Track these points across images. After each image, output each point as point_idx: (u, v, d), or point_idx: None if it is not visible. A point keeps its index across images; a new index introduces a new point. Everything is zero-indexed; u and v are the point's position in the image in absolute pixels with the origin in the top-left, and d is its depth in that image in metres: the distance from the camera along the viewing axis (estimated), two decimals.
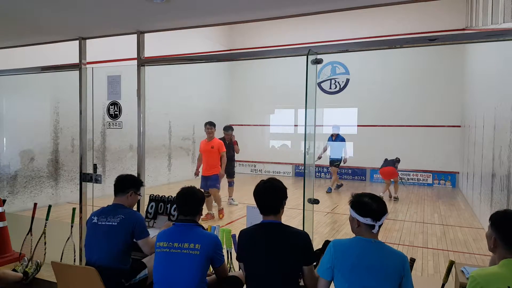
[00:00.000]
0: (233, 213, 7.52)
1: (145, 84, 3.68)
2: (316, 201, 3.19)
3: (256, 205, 2.43)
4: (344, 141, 10.31)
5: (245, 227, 2.55)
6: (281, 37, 13.03)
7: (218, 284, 2.67)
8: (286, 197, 2.42)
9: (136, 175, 3.51)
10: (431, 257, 5.06)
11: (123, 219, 2.80)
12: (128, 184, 2.99)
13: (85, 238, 2.91)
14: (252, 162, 14.62)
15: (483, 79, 7.90)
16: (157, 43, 6.11)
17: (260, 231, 2.34)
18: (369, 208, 2.05)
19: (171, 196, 3.59)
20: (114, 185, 3.00)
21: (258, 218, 2.62)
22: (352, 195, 2.18)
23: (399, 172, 10.20)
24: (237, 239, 2.50)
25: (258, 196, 2.39)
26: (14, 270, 3.63)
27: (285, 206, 2.43)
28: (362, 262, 1.97)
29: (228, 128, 8.30)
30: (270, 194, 2.37)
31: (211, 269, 2.63)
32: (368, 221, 2.04)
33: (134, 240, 2.89)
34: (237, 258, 2.45)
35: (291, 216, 6.67)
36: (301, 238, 2.28)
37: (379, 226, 2.06)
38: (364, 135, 12.84)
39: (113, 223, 2.79)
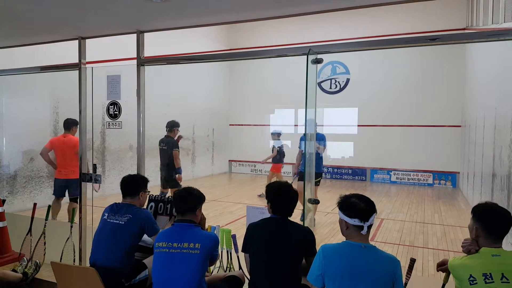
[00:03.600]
0: (233, 213, 7.51)
1: (144, 84, 3.67)
2: (316, 201, 3.19)
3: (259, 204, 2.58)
4: (324, 139, 6.74)
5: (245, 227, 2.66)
6: (281, 36, 13.02)
7: (217, 283, 2.67)
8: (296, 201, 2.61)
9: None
10: (431, 257, 5.06)
11: (130, 219, 2.81)
12: (137, 187, 3.00)
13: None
14: (252, 162, 14.61)
15: (484, 79, 7.89)
16: (157, 43, 6.10)
17: (266, 223, 2.53)
18: (357, 208, 2.02)
19: (171, 196, 3.59)
20: (122, 188, 2.99)
21: (258, 218, 2.64)
22: (340, 197, 2.15)
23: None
24: (244, 232, 2.64)
25: (276, 199, 2.56)
26: (13, 270, 3.62)
27: None
28: (352, 269, 1.93)
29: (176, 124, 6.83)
30: (288, 201, 2.55)
31: (210, 269, 2.64)
32: (356, 222, 2.01)
33: (148, 237, 2.91)
34: (242, 250, 2.59)
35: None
36: (303, 231, 2.48)
37: (368, 227, 2.02)
38: (364, 135, 12.83)
39: (120, 222, 2.81)
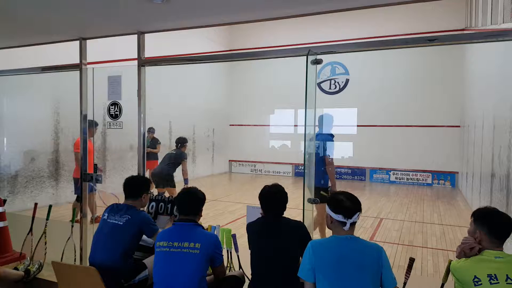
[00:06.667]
0: (233, 212, 7.53)
1: (145, 84, 3.69)
2: (316, 201, 3.20)
3: (259, 205, 2.65)
4: (332, 139, 5.07)
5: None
6: (281, 37, 13.05)
7: (217, 283, 2.68)
8: (287, 201, 2.67)
9: (136, 174, 3.53)
10: (430, 256, 5.08)
11: (129, 220, 2.82)
12: (139, 190, 3.00)
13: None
14: (252, 162, 14.64)
15: (483, 79, 7.91)
16: (158, 44, 6.12)
17: (260, 223, 2.62)
18: (342, 205, 2.13)
19: (171, 196, 3.60)
20: (124, 189, 2.99)
21: (257, 218, 2.67)
22: (330, 192, 2.26)
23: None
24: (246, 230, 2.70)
25: (265, 202, 2.62)
26: (15, 268, 3.63)
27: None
28: (341, 261, 2.02)
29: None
30: (276, 201, 2.62)
31: (210, 269, 2.64)
32: (339, 217, 2.11)
33: (148, 237, 2.92)
34: (249, 248, 2.63)
35: (291, 216, 6.62)
36: (295, 225, 2.58)
37: (351, 224, 2.12)
38: (363, 135, 12.86)
39: (119, 222, 2.81)
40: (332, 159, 4.88)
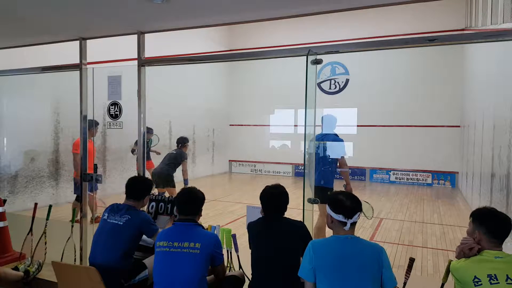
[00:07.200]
0: (233, 212, 7.53)
1: (145, 84, 3.69)
2: (316, 201, 3.21)
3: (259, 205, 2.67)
4: (342, 140, 5.30)
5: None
6: (281, 37, 13.04)
7: (217, 283, 2.68)
8: (288, 202, 2.66)
9: (136, 174, 3.53)
10: (430, 256, 5.08)
11: (129, 220, 2.82)
12: (143, 193, 3.01)
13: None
14: (252, 162, 14.63)
15: (483, 79, 7.91)
16: (158, 44, 6.12)
17: (261, 222, 2.62)
18: (342, 205, 2.13)
19: (171, 196, 3.61)
20: (127, 189, 2.99)
21: (257, 217, 2.67)
22: (329, 192, 2.27)
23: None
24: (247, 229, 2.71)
25: (266, 202, 2.62)
26: (15, 268, 3.63)
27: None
28: (341, 260, 2.03)
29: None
30: (277, 202, 2.61)
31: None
32: (340, 217, 2.11)
33: (148, 237, 2.92)
34: (250, 247, 2.64)
35: (291, 216, 6.63)
36: (297, 225, 2.57)
37: (352, 224, 2.12)
38: (364, 135, 12.85)
39: (119, 222, 2.82)
40: (343, 157, 5.12)
